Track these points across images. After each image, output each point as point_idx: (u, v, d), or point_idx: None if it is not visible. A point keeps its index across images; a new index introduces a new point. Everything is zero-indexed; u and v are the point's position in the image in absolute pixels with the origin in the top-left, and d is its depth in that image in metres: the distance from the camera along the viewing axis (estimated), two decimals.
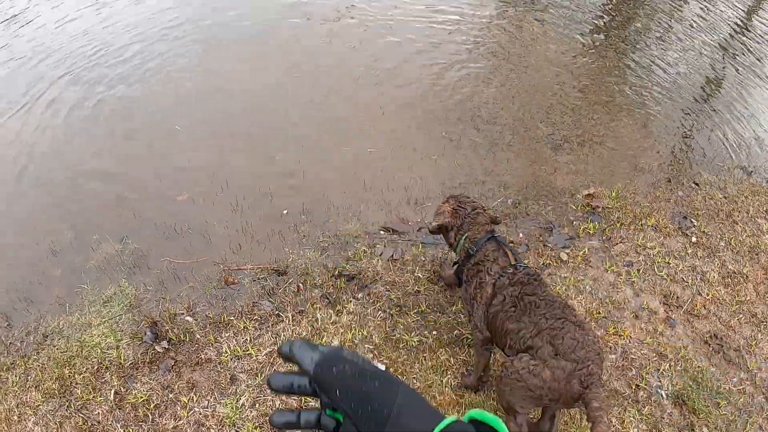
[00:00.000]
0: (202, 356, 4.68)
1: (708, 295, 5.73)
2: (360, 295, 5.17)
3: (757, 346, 5.51)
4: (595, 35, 10.38)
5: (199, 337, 4.85)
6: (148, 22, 8.54)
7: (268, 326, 4.97)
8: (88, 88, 7.25)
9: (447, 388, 4.60)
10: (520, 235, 5.82)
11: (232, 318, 4.99)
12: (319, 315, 4.97)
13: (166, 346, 4.73)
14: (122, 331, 4.84)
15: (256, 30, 8.40)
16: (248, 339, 4.86)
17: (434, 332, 4.95)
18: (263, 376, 4.52)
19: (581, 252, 5.73)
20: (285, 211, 5.79)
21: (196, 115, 6.79)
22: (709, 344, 5.35)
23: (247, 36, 8.27)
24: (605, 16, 11.46)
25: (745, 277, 6.03)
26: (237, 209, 5.79)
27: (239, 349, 4.75)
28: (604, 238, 5.97)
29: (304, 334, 4.87)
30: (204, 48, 7.96)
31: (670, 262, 5.90)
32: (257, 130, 6.68)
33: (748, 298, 5.85)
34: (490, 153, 6.78)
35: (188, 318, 5.05)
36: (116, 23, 8.54)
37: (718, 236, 6.36)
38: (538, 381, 3.45)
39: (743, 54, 11.32)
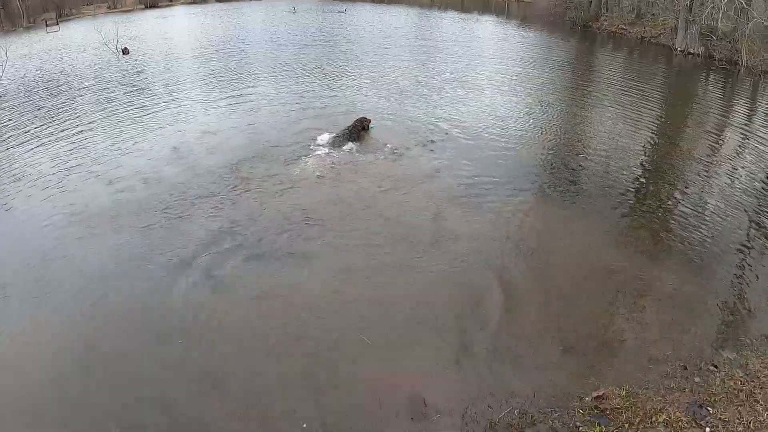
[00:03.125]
0: None
1: None
2: None
3: None
4: (623, 218, 10.81)
5: None
6: None
7: None
8: None
9: None
10: None
11: None
12: None
13: None
14: None
15: None
16: None
17: None
18: None
19: None
20: (304, 425, 6.30)
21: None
22: None
23: None
24: (631, 196, 11.92)
25: None
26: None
27: None
28: None
29: None
30: None
31: None
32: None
33: None
34: (497, 361, 7.30)
35: None
36: None
37: (737, 421, 6.48)
38: None
39: None
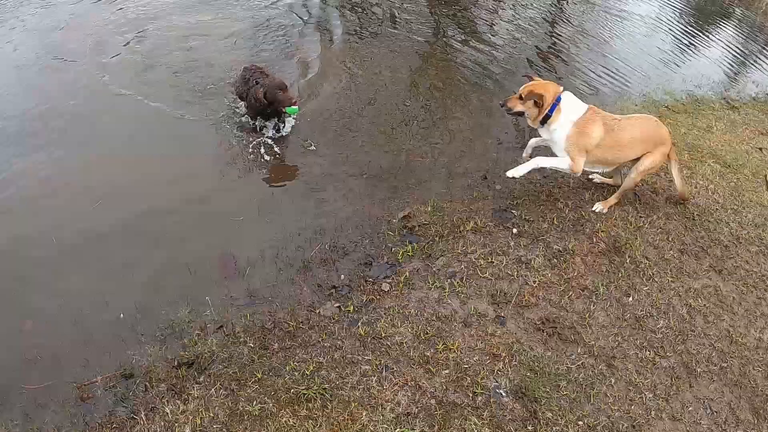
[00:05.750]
0: None
1: (535, 282, 6.05)
2: (201, 379, 5.29)
3: (592, 317, 5.85)
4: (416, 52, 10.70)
5: None
6: None
7: (127, 431, 5.01)
8: None
9: None
10: (342, 276, 6.03)
11: None
12: (168, 408, 5.05)
13: None
14: None
15: None
16: None
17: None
18: None
19: (403, 277, 5.98)
20: (121, 315, 5.85)
21: None
22: (543, 330, 5.66)
23: None
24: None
25: (571, 252, 6.40)
26: (77, 323, 5.83)
27: None
28: (424, 256, 6.22)
29: (158, 430, 4.94)
30: None
31: (494, 260, 6.20)
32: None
33: (576, 272, 6.22)
34: (301, 201, 7.07)
35: None
36: None
37: (541, 219, 6.73)
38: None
39: (565, 23, 11.96)
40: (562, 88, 6.63)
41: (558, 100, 6.52)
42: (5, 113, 8.20)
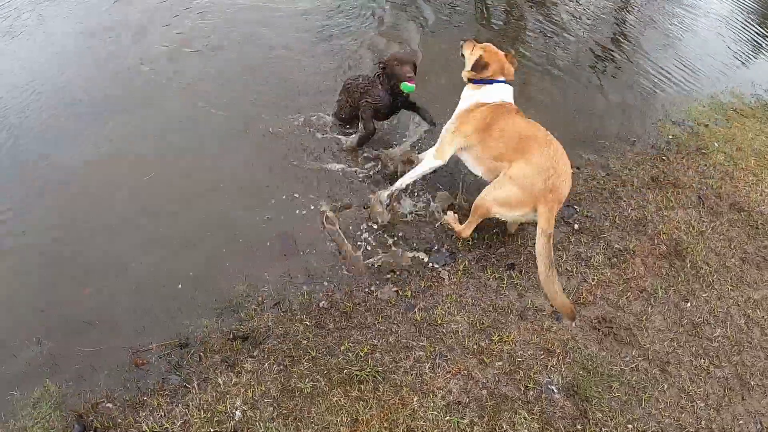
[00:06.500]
0: None
1: (593, 280, 6.03)
2: (256, 353, 5.38)
3: (648, 320, 5.82)
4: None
5: (120, 421, 5.00)
6: None
7: (178, 399, 5.14)
8: None
9: (343, 428, 4.80)
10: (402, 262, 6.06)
11: (146, 398, 5.14)
12: (220, 380, 5.17)
13: None
14: (54, 428, 4.97)
15: None
16: (162, 414, 5.03)
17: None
18: None
19: (462, 266, 6.00)
20: (180, 285, 5.96)
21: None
22: (598, 329, 5.65)
23: None
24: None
25: (632, 252, 6.35)
26: (135, 292, 5.95)
27: (156, 426, 4.92)
28: (484, 246, 6.23)
29: (209, 400, 5.05)
30: None
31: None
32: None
33: (636, 273, 6.18)
34: (367, 182, 7.04)
35: (108, 405, 5.20)
36: None
37: (602, 216, 6.69)
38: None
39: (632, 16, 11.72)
40: (509, 87, 6.14)
41: (495, 81, 6.06)
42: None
